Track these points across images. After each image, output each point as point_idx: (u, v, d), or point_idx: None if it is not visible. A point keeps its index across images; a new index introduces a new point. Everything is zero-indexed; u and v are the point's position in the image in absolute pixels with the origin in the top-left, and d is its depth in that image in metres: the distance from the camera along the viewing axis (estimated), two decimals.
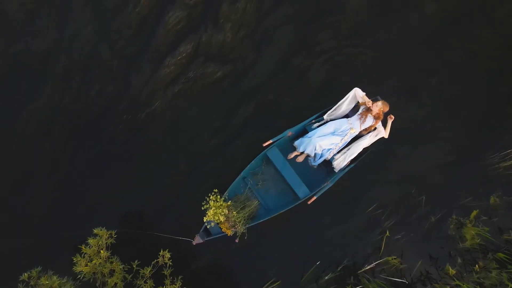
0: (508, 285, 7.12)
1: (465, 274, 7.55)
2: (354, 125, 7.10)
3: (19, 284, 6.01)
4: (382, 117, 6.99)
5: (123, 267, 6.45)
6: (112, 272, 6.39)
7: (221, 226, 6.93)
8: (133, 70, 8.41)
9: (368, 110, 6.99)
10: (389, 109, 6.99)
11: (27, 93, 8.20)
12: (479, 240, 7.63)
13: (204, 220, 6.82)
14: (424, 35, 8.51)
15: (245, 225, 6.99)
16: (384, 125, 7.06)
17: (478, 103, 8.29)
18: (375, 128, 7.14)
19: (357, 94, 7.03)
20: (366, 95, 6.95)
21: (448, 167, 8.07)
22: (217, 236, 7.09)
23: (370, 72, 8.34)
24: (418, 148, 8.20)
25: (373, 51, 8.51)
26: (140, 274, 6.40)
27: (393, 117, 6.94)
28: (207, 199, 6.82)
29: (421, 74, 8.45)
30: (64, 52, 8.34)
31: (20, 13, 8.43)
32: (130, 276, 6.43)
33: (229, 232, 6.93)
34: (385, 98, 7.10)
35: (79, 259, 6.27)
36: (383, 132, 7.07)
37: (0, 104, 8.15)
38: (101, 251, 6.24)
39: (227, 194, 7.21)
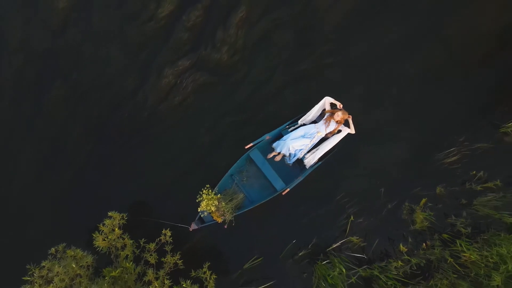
0: (448, 260, 8.44)
1: (414, 251, 8.76)
2: (320, 129, 8.37)
3: (48, 256, 7.25)
4: (343, 122, 8.22)
5: (133, 243, 7.68)
6: (123, 247, 7.59)
7: (213, 215, 8.11)
8: (140, 78, 9.61)
9: (332, 116, 8.28)
10: (348, 115, 8.24)
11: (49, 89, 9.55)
12: (427, 223, 8.80)
13: (199, 210, 7.99)
14: (388, 52, 9.60)
15: (232, 214, 8.17)
16: (348, 125, 8.28)
17: (431, 109, 9.36)
18: (339, 131, 8.39)
19: (326, 101, 8.28)
20: (336, 99, 8.18)
21: (403, 163, 9.17)
22: (209, 223, 8.32)
23: (341, 82, 9.51)
24: (380, 147, 9.27)
25: (344, 65, 9.63)
26: (146, 249, 7.64)
27: (350, 116, 8.16)
28: (201, 193, 7.97)
29: (385, 83, 9.52)
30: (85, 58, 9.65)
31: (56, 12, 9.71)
32: (138, 250, 7.65)
33: (219, 220, 8.12)
34: (346, 105, 8.26)
35: (97, 235, 7.48)
36: (348, 130, 8.26)
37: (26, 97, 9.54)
38: (116, 229, 7.45)
39: (217, 189, 8.38)
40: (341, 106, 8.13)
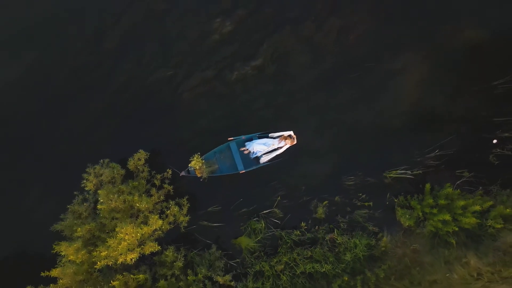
0: (326, 238, 13.04)
1: (310, 229, 13.21)
2: (275, 143, 13.10)
3: (99, 163, 12.09)
4: (289, 144, 13.01)
5: (148, 171, 12.27)
6: (143, 171, 12.19)
7: (196, 171, 12.62)
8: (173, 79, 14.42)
9: (284, 138, 13.02)
10: (295, 141, 12.97)
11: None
12: (323, 216, 13.18)
13: (189, 165, 12.57)
14: (336, 105, 14.01)
15: (207, 175, 12.69)
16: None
17: (351, 150, 13.75)
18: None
19: (288, 132, 13.01)
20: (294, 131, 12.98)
21: (322, 175, 13.54)
22: (192, 175, 12.84)
23: (301, 117, 13.96)
24: (312, 162, 13.64)
25: (305, 107, 14.12)
26: (155, 177, 12.31)
27: (295, 136, 12.95)
28: (193, 156, 12.44)
29: (329, 124, 13.92)
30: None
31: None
32: (150, 176, 12.33)
33: (199, 175, 12.65)
34: (299, 131, 13.13)
35: (130, 160, 12.15)
36: (288, 145, 13.06)
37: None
38: (142, 159, 12.09)
39: (203, 157, 12.83)
40: (295, 137, 12.92)
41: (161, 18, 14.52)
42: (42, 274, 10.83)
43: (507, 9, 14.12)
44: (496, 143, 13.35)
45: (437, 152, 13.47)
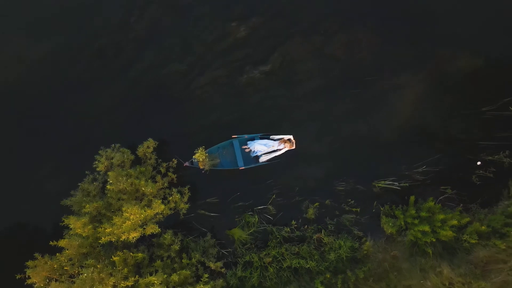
0: (313, 237, 13.95)
1: (299, 228, 14.16)
2: (275, 145, 13.97)
3: (111, 147, 13.01)
4: (288, 147, 13.88)
5: (155, 158, 13.16)
6: (150, 158, 13.09)
7: (199, 163, 13.47)
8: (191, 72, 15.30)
9: (284, 141, 13.90)
10: (293, 146, 13.83)
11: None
12: (313, 216, 14.07)
13: (193, 157, 13.41)
14: (336, 116, 14.88)
15: (209, 167, 13.57)
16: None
17: (345, 158, 14.58)
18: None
19: (289, 136, 13.93)
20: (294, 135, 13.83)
21: (316, 179, 14.40)
22: (195, 166, 13.67)
23: (303, 121, 14.81)
24: (308, 166, 14.50)
25: (307, 114, 15.05)
26: (161, 164, 13.20)
27: (294, 140, 13.81)
28: (198, 149, 13.28)
29: (326, 132, 14.77)
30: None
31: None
32: (156, 164, 13.25)
33: (201, 167, 13.52)
34: (299, 135, 13.98)
35: (140, 147, 13.05)
36: (287, 149, 13.98)
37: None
38: (151, 147, 13.00)
39: (207, 151, 13.67)
40: (294, 141, 13.79)
41: (181, 16, 15.50)
42: (51, 243, 11.68)
43: (505, 37, 15.00)
44: (480, 165, 14.15)
45: (424, 167, 14.30)
